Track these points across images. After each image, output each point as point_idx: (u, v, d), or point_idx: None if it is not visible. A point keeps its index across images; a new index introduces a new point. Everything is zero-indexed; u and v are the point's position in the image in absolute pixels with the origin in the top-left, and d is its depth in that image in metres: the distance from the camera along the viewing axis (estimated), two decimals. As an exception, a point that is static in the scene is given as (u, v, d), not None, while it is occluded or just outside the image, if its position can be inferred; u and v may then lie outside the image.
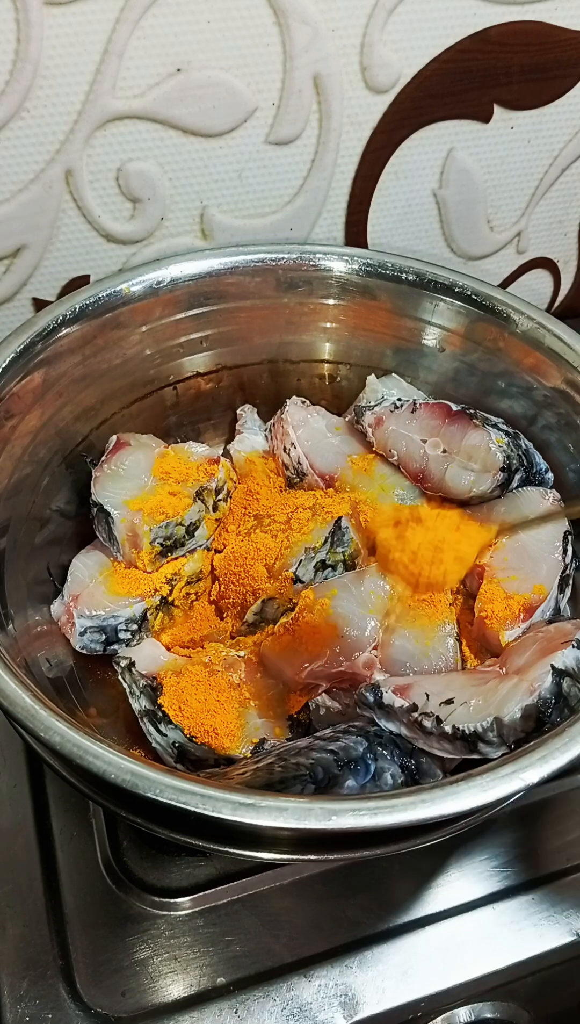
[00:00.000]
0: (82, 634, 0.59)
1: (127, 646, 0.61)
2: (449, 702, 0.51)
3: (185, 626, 0.64)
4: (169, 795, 0.40)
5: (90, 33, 0.59)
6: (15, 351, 0.59)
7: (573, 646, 0.51)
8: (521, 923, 0.57)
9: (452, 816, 0.41)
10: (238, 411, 0.77)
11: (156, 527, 0.62)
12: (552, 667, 0.49)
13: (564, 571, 0.60)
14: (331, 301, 0.72)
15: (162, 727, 0.54)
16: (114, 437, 0.67)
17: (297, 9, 0.62)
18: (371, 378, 0.73)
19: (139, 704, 0.56)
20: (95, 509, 0.63)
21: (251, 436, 0.75)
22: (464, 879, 0.59)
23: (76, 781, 0.49)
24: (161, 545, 0.63)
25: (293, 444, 0.70)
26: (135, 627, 0.61)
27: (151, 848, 0.58)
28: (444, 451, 0.67)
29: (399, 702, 0.52)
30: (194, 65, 0.63)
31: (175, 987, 0.53)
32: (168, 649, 0.63)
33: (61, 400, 0.63)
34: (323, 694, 0.58)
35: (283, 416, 0.73)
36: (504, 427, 0.67)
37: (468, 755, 0.49)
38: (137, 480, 0.65)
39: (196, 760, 0.54)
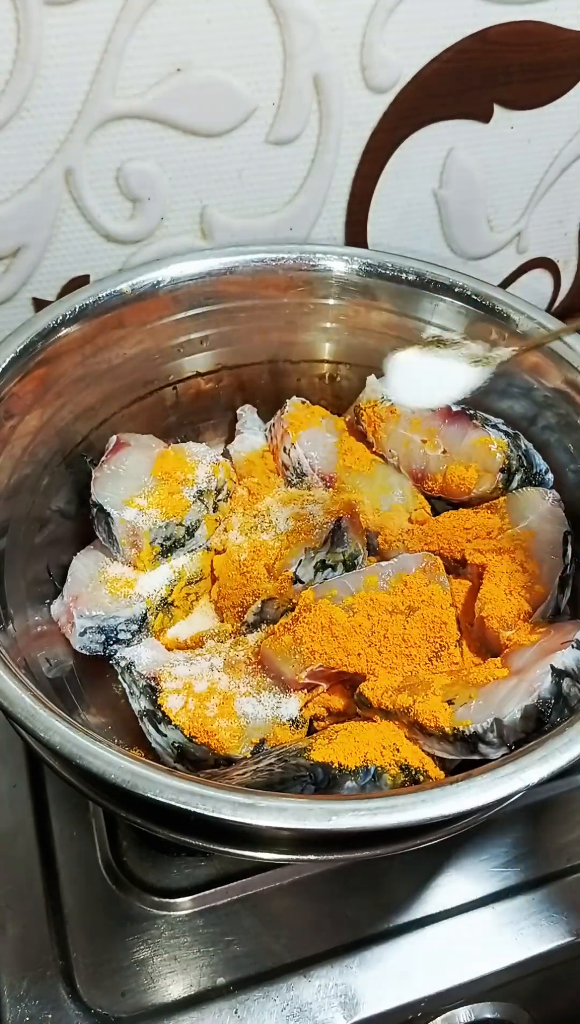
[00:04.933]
0: (82, 634, 0.59)
1: (127, 646, 0.61)
2: (449, 703, 0.51)
3: (185, 626, 0.64)
4: (169, 795, 0.40)
5: (90, 33, 0.59)
6: (15, 351, 0.59)
7: (573, 646, 0.51)
8: (521, 923, 0.57)
9: (452, 816, 0.41)
10: (238, 411, 0.76)
11: (156, 527, 0.62)
12: (552, 667, 0.49)
13: (564, 571, 0.60)
14: (331, 301, 0.72)
15: (162, 727, 0.54)
16: (114, 437, 0.67)
17: (297, 9, 0.62)
18: (371, 378, 0.73)
19: (139, 704, 0.56)
20: (95, 509, 0.63)
21: (251, 436, 0.74)
22: (464, 879, 0.59)
23: (76, 781, 0.49)
24: (161, 545, 0.63)
25: (293, 444, 0.70)
26: (135, 627, 0.61)
27: (151, 848, 0.58)
28: (444, 451, 0.67)
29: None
30: (194, 65, 0.63)
31: (175, 987, 0.53)
32: (168, 649, 0.63)
33: (61, 400, 0.63)
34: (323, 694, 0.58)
35: (283, 416, 0.73)
36: (504, 427, 0.67)
37: (468, 756, 0.49)
38: (137, 480, 0.65)
39: (196, 760, 0.54)
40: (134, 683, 0.57)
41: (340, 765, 0.48)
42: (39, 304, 0.73)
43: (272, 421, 0.75)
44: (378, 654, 0.56)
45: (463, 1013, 0.57)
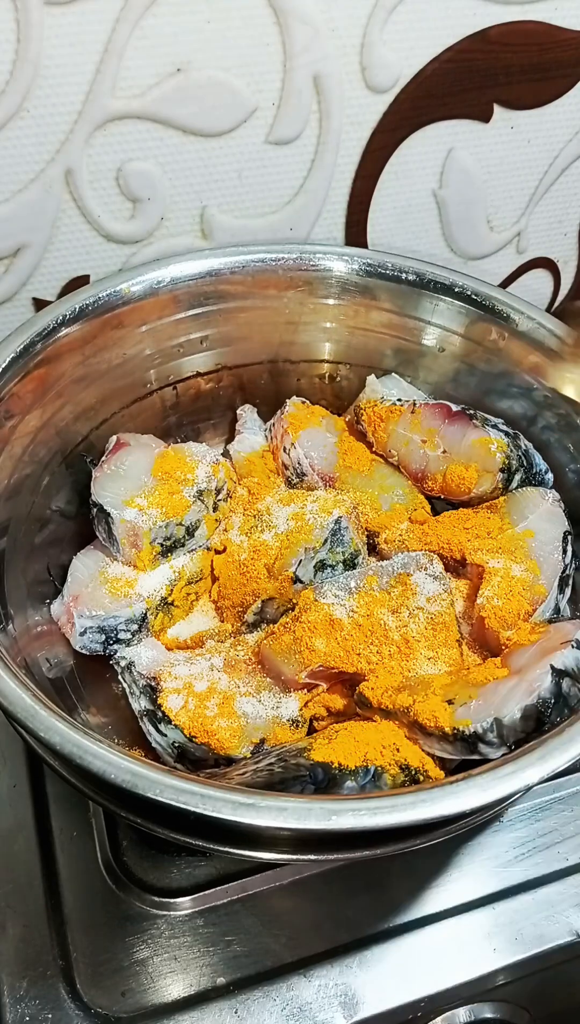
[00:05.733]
0: (82, 634, 0.59)
1: (127, 646, 0.61)
2: (449, 703, 0.51)
3: (185, 626, 0.64)
4: (169, 795, 0.40)
5: (90, 33, 0.59)
6: (15, 351, 0.59)
7: (573, 646, 0.51)
8: (521, 923, 0.57)
9: (452, 816, 0.41)
10: (238, 411, 0.76)
11: (156, 527, 0.62)
12: (552, 667, 0.49)
13: (564, 571, 0.60)
14: (331, 301, 0.72)
15: (162, 727, 0.54)
16: (114, 437, 0.67)
17: (297, 9, 0.62)
18: (371, 378, 0.73)
19: (139, 704, 0.56)
20: (95, 509, 0.63)
21: (251, 436, 0.74)
22: (464, 879, 0.59)
23: (76, 781, 0.49)
24: (161, 545, 0.63)
25: (293, 444, 0.70)
26: (135, 627, 0.61)
27: (151, 848, 0.58)
28: (444, 451, 0.67)
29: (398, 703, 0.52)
30: (194, 65, 0.63)
31: (175, 987, 0.53)
32: (168, 649, 0.63)
33: (61, 400, 0.63)
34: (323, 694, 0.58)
35: (283, 416, 0.73)
36: (504, 428, 0.67)
37: (468, 756, 0.49)
38: (137, 480, 0.65)
39: (196, 760, 0.54)
40: (134, 683, 0.57)
41: (340, 765, 0.48)
42: (39, 304, 0.73)
43: (272, 421, 0.75)
44: (378, 654, 0.56)
45: (463, 1013, 0.57)
